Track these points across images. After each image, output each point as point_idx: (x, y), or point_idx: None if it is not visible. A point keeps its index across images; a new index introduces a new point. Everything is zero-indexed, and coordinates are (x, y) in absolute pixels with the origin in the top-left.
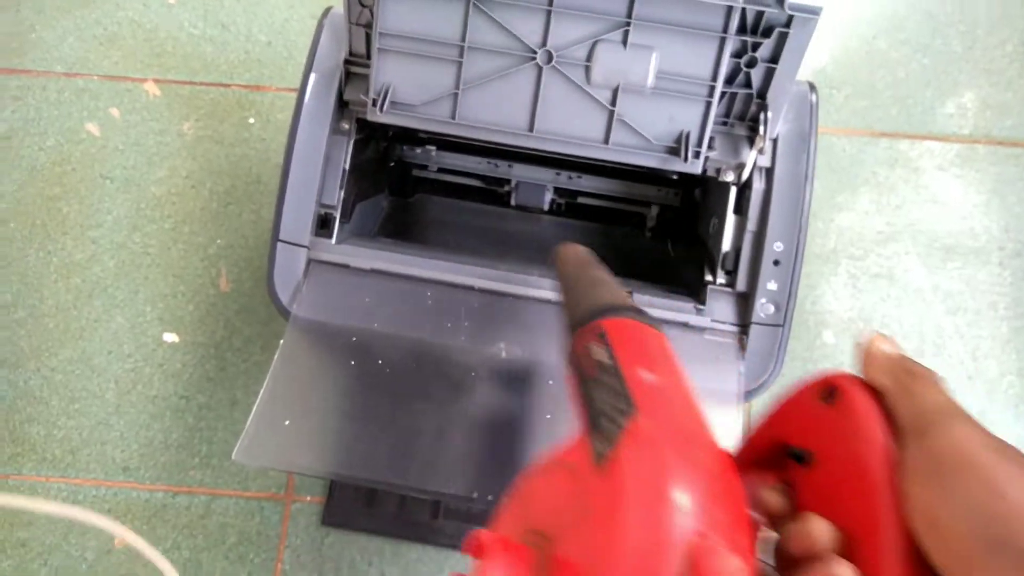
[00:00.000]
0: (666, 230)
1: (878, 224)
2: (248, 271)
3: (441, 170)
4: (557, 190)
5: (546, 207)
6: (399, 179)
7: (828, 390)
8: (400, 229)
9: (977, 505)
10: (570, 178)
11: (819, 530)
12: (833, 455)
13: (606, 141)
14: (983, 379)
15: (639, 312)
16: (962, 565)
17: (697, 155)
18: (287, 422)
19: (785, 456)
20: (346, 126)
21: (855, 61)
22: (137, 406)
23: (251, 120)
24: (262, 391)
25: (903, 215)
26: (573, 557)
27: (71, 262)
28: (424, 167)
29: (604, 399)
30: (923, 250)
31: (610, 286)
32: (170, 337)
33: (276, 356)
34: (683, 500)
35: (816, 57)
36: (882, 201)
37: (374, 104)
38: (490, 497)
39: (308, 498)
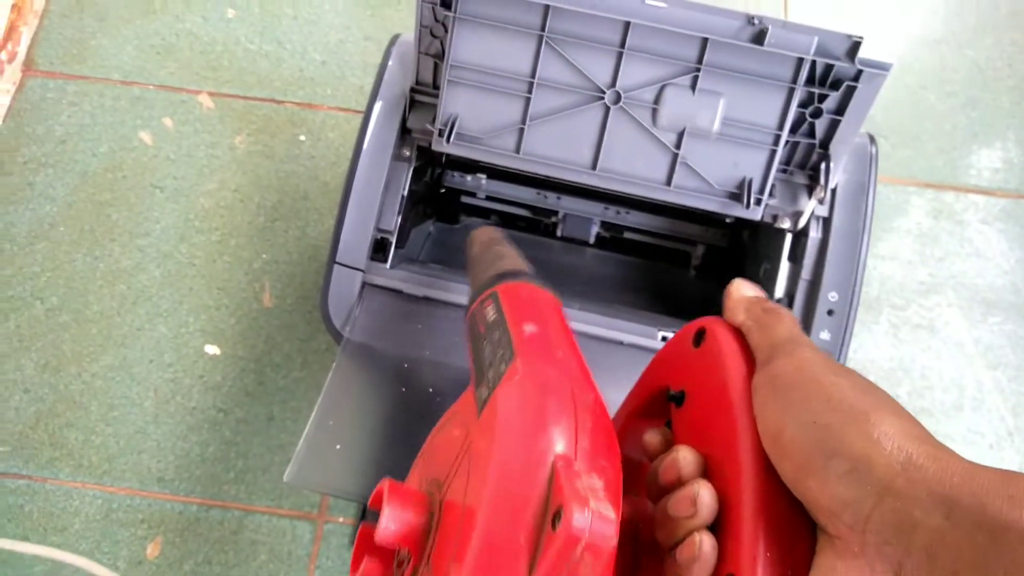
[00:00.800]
0: (711, 270)
1: (920, 275)
2: (291, 287)
3: (489, 198)
4: (604, 224)
5: (592, 240)
6: (447, 205)
7: (697, 334)
8: (446, 255)
9: (814, 417)
10: (618, 213)
11: (684, 457)
12: (701, 390)
13: (668, 183)
14: (1023, 435)
15: (533, 277)
16: (802, 473)
17: (759, 202)
18: (338, 446)
19: (666, 402)
20: (407, 153)
21: (902, 111)
22: (175, 417)
23: (302, 137)
24: (314, 413)
25: (946, 267)
26: (457, 496)
27: (117, 269)
28: (472, 194)
29: (491, 352)
30: (965, 303)
31: (511, 258)
32: (211, 349)
33: (328, 379)
34: (550, 429)
35: None
36: (925, 252)
37: (440, 134)
38: None
39: (341, 519)
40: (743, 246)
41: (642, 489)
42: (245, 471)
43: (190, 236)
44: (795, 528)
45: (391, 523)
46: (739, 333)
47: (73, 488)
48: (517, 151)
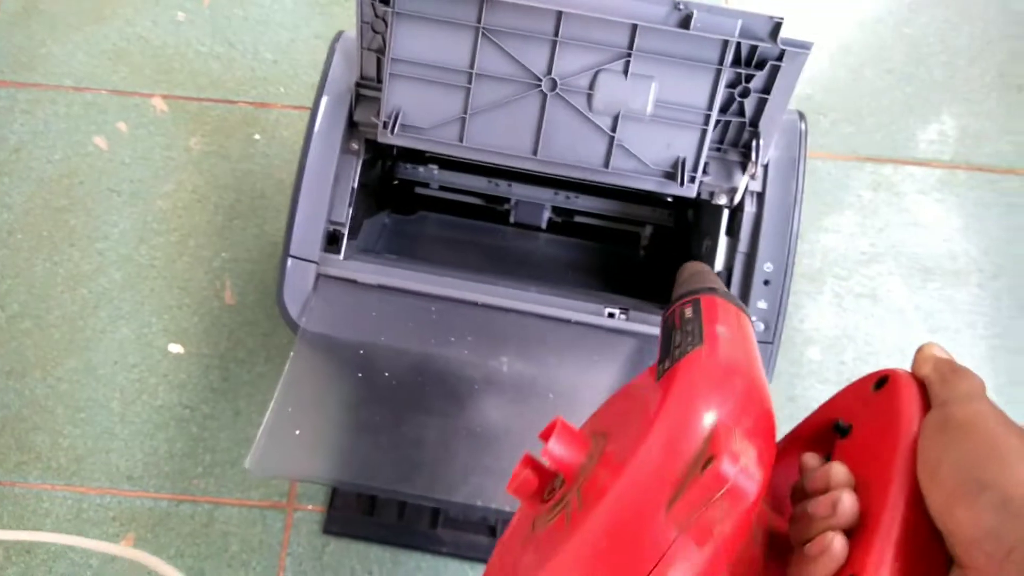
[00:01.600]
0: (659, 249)
1: (862, 245)
2: (252, 284)
3: (442, 188)
4: (555, 209)
5: (544, 225)
6: (401, 197)
7: (880, 379)
8: (402, 245)
9: (975, 456)
10: (568, 198)
11: (836, 469)
12: (870, 426)
13: (606, 165)
14: None
15: (732, 296)
16: (952, 501)
17: (693, 180)
18: (297, 432)
19: (832, 433)
20: (355, 146)
21: (842, 88)
22: (142, 415)
23: (256, 136)
24: (272, 402)
25: (886, 237)
26: (618, 447)
27: (78, 273)
28: (426, 185)
29: (681, 339)
30: (905, 271)
31: (714, 280)
32: (175, 348)
33: (286, 368)
34: (719, 400)
35: (804, 84)
36: (866, 223)
37: (385, 126)
38: (492, 505)
39: (310, 507)
40: (688, 225)
41: (783, 509)
42: (213, 465)
43: (149, 238)
44: (928, 554)
45: (557, 447)
46: (922, 385)
47: (43, 490)
48: (460, 140)
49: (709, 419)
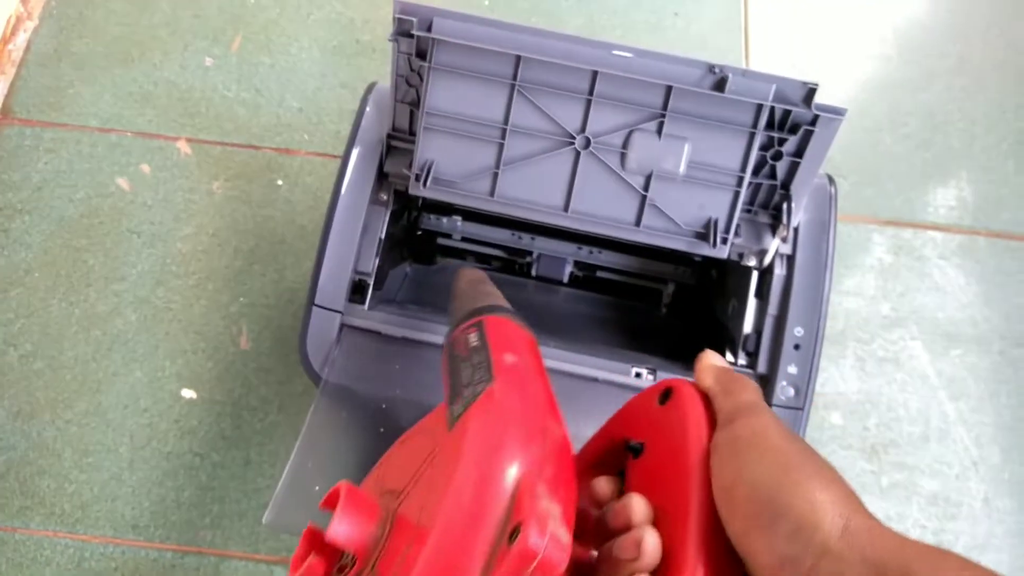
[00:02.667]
0: (681, 308)
1: (884, 309)
2: (268, 331)
3: (465, 239)
4: (577, 263)
5: (566, 279)
6: (423, 246)
7: (664, 392)
8: (422, 295)
9: (765, 479)
10: (591, 252)
11: (636, 504)
12: (660, 444)
13: (638, 224)
14: (987, 465)
15: (516, 315)
16: (750, 528)
17: (725, 241)
18: (316, 488)
19: (623, 452)
20: (384, 197)
21: (862, 152)
22: (151, 462)
23: (279, 182)
24: (292, 455)
25: (907, 302)
26: (413, 507)
27: (93, 314)
28: (448, 236)
29: (470, 374)
30: (927, 336)
31: (496, 296)
32: (188, 393)
33: (307, 420)
34: (518, 451)
35: None
36: (887, 287)
37: (417, 179)
38: None
39: None
40: (711, 284)
41: (584, 536)
42: (221, 516)
43: (167, 280)
44: None
45: (343, 526)
46: (705, 397)
47: (44, 537)
48: (491, 194)
49: (511, 475)
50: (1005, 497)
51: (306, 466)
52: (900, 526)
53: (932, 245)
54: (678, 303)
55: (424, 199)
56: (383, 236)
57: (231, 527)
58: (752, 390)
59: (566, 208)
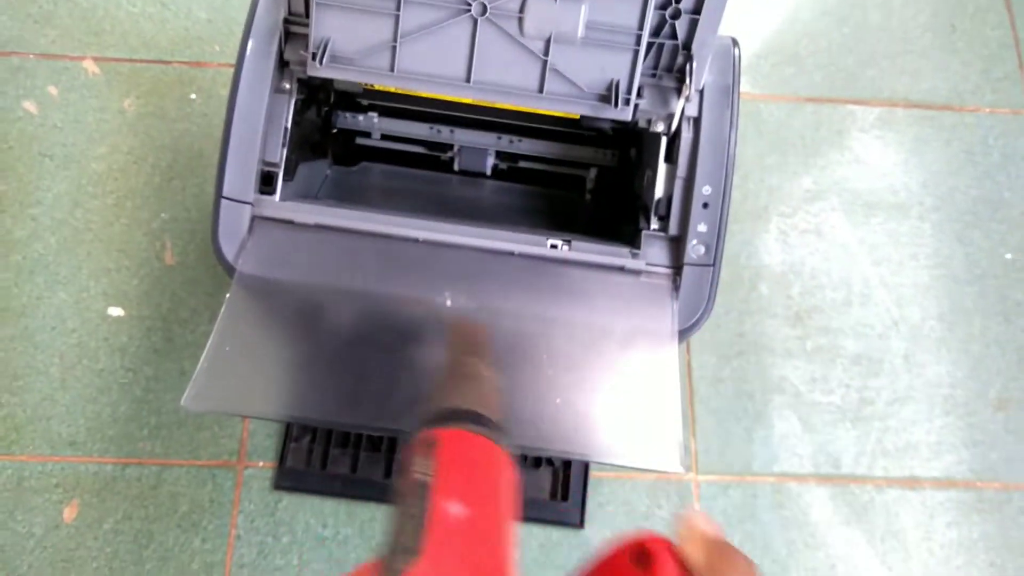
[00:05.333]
0: (605, 193)
1: (805, 183)
2: (193, 244)
3: (384, 137)
4: (499, 154)
5: (488, 171)
6: (342, 147)
7: (641, 554)
8: (344, 196)
9: None
10: (511, 142)
11: None
12: None
13: (541, 90)
14: (907, 324)
15: (484, 423)
16: None
17: (627, 102)
18: (237, 368)
19: None
20: (287, 86)
21: (781, 32)
22: (83, 380)
23: (192, 96)
24: (210, 339)
25: (828, 175)
26: None
27: (11, 240)
28: (367, 135)
29: (404, 527)
30: (848, 207)
31: (478, 386)
32: (115, 311)
33: (223, 307)
34: None
35: (744, 28)
36: (808, 162)
37: (313, 58)
38: None
39: (260, 463)
40: (631, 165)
41: None
42: (159, 427)
43: (84, 202)
44: None
45: None
46: (686, 568)
47: None
48: (391, 69)
49: None
50: (924, 352)
51: (224, 350)
52: (825, 387)
53: (851, 119)
54: (602, 188)
55: (335, 94)
56: (289, 125)
57: (170, 436)
58: (744, 569)
59: (468, 79)
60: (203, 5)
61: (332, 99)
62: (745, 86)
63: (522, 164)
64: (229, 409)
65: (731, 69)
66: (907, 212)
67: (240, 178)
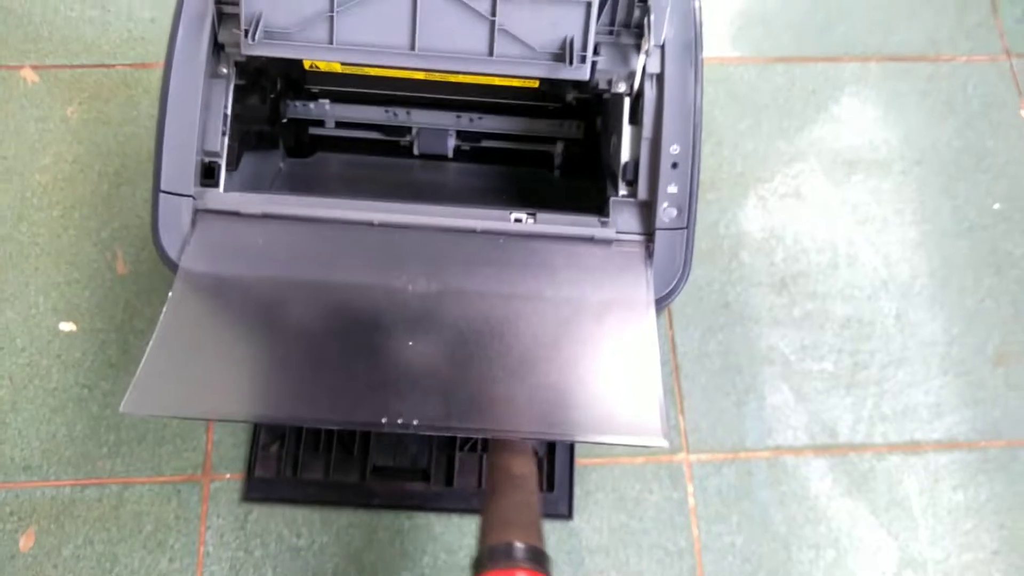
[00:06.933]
0: (574, 167)
1: (782, 146)
2: (146, 251)
3: (339, 125)
4: (460, 134)
5: (450, 153)
6: (295, 138)
7: None
8: (299, 188)
9: None
10: (472, 120)
11: None
12: None
13: (491, 53)
14: (897, 283)
15: (541, 561)
16: None
17: (583, 59)
18: (179, 369)
19: None
20: (224, 70)
21: None
22: (35, 401)
23: (138, 99)
24: (151, 342)
25: (805, 135)
26: None
27: None
28: (320, 123)
29: None
30: (827, 166)
31: (527, 515)
32: (67, 326)
33: (164, 307)
34: None
35: None
36: (783, 124)
37: (246, 35)
38: (399, 420)
39: (227, 475)
40: (598, 135)
41: None
42: (119, 444)
43: (29, 214)
44: None
45: None
46: None
47: None
48: (330, 42)
49: None
50: (916, 311)
51: (164, 352)
52: (816, 354)
53: (824, 77)
54: (570, 162)
55: (281, 79)
56: (228, 112)
57: (131, 453)
58: None
59: (413, 47)
60: (145, 4)
61: (279, 86)
62: (713, 50)
63: (485, 143)
64: (172, 412)
65: (692, 22)
66: (889, 168)
67: (178, 170)
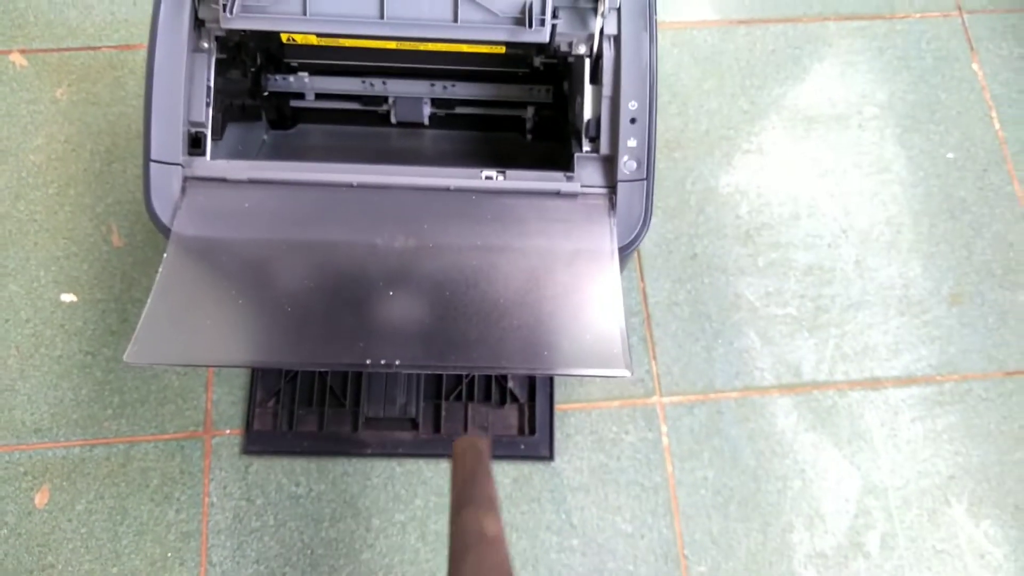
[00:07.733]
0: (545, 130)
1: (744, 105)
2: (139, 224)
3: (319, 97)
4: (435, 102)
5: (426, 120)
6: (276, 111)
7: None
8: (283, 158)
9: None
10: (445, 87)
11: None
12: None
13: (455, 20)
14: (856, 231)
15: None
16: None
17: (543, 23)
18: (176, 322)
19: None
20: (205, 44)
21: None
22: (42, 368)
23: (125, 79)
24: (150, 298)
25: (766, 94)
26: None
27: None
28: (301, 96)
29: None
30: (788, 123)
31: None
32: (68, 297)
33: (160, 268)
34: None
35: None
36: (745, 83)
37: (224, 9)
38: (382, 361)
39: (227, 431)
40: (566, 98)
41: None
42: (123, 406)
43: (26, 193)
44: None
45: None
46: None
47: None
48: (304, 13)
49: None
50: (874, 256)
51: (163, 307)
52: (780, 300)
53: (784, 38)
54: (541, 126)
55: (260, 53)
56: (211, 84)
57: (135, 414)
58: None
59: (381, 15)
60: None
61: (259, 60)
62: (678, 15)
63: (459, 110)
64: (172, 359)
65: None
66: (847, 123)
67: (167, 140)
